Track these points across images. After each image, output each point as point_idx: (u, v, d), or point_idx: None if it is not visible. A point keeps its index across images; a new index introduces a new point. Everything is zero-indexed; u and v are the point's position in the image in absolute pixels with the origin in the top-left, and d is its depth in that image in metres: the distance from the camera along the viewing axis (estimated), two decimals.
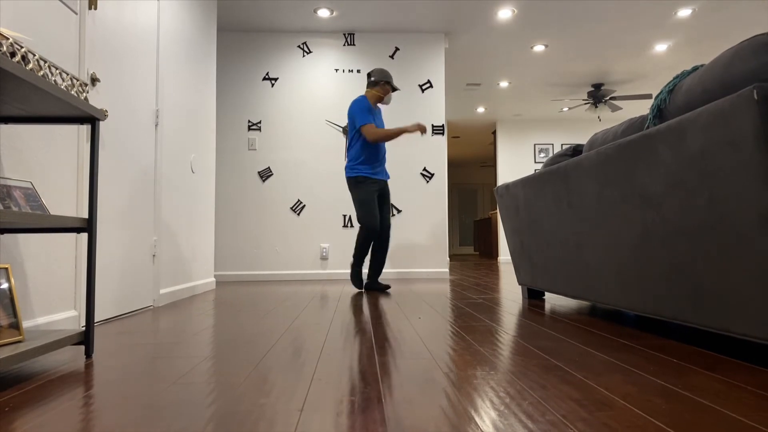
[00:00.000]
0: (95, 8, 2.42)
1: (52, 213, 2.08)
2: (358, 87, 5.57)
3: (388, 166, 5.55)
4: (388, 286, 3.96)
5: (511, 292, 3.74)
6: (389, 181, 5.49)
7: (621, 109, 7.97)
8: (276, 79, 5.52)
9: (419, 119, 5.58)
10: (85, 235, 2.33)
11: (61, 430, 1.04)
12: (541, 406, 1.15)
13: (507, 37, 5.84)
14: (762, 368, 1.46)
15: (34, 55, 1.44)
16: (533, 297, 3.35)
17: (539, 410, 1.12)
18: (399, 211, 5.49)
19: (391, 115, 5.57)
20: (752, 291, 1.43)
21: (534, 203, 2.85)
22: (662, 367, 1.49)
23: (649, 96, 7.55)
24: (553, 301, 3.20)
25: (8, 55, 1.34)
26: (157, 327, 2.34)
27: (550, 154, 9.88)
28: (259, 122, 5.48)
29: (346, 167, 3.90)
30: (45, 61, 1.49)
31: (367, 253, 3.90)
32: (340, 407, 1.16)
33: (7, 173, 1.83)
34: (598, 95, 7.70)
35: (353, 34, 5.60)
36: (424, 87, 5.60)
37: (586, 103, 8.06)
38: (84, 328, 1.78)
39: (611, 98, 7.63)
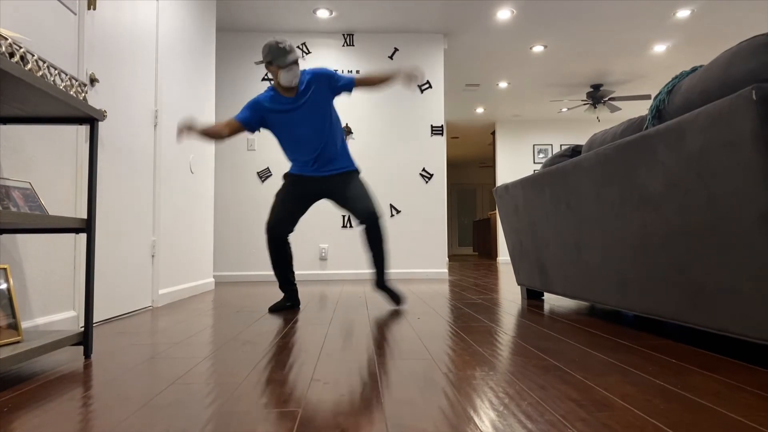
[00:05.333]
0: (94, 8, 2.42)
1: (50, 213, 2.08)
2: None
3: (388, 166, 5.54)
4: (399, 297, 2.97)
5: (510, 293, 3.74)
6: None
7: (620, 109, 7.98)
8: None
9: (418, 120, 5.57)
10: (83, 236, 2.33)
11: (60, 430, 1.04)
12: (540, 406, 1.15)
13: (506, 37, 5.84)
14: (761, 368, 1.46)
15: (33, 56, 1.44)
16: (532, 297, 3.35)
17: (538, 410, 1.12)
18: (398, 212, 5.49)
19: (390, 116, 5.56)
20: (752, 291, 1.43)
21: (533, 204, 2.85)
22: (661, 368, 1.49)
23: (648, 96, 7.55)
24: (552, 301, 3.20)
25: (7, 55, 1.34)
26: (156, 327, 2.33)
27: (549, 155, 9.88)
28: None
29: (347, 159, 2.97)
30: (44, 62, 1.49)
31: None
32: (340, 407, 1.16)
33: (5, 173, 1.83)
34: (597, 96, 7.71)
35: (352, 35, 5.60)
36: (423, 88, 5.60)
37: (585, 104, 8.06)
38: (83, 329, 1.78)
39: (610, 99, 7.64)
